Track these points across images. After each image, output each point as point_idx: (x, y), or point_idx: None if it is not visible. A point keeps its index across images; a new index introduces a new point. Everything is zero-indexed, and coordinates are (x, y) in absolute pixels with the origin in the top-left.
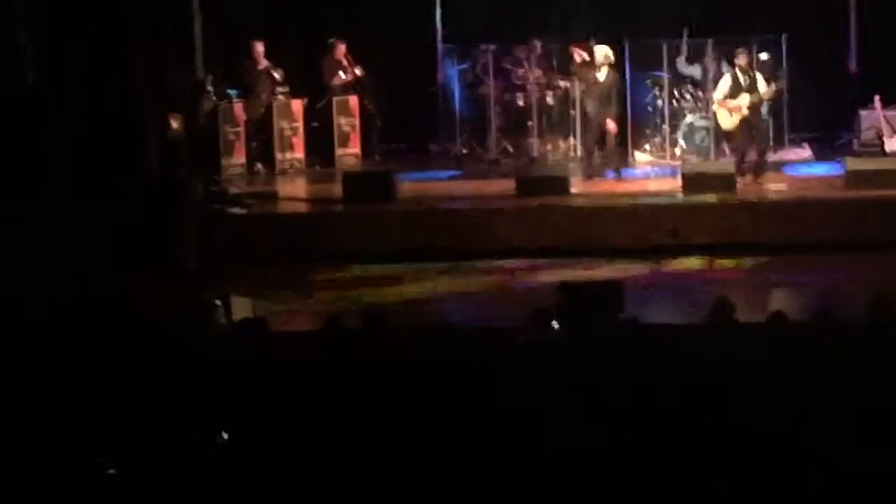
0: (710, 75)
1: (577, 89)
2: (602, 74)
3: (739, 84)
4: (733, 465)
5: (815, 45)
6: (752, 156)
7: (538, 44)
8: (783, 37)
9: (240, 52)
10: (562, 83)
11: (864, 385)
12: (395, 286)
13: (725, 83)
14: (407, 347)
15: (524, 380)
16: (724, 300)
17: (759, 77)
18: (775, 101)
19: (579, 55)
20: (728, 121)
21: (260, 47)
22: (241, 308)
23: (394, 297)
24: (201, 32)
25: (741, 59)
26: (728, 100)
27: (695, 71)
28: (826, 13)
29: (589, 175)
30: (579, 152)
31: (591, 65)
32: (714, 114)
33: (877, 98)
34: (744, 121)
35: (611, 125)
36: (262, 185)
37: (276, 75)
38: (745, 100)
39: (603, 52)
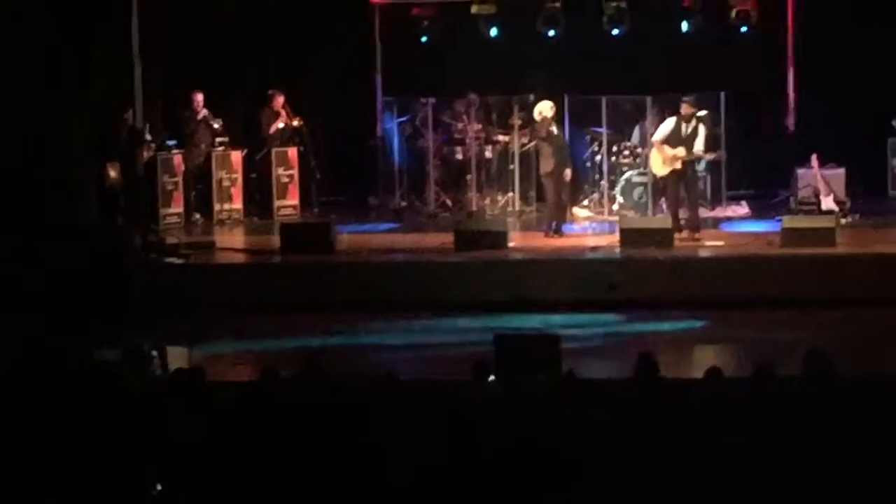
0: (649, 131)
1: (516, 144)
2: (555, 128)
3: (679, 133)
4: None
5: (754, 103)
6: (686, 211)
7: (477, 98)
8: (723, 95)
9: (180, 102)
10: (501, 137)
11: (800, 440)
12: (331, 336)
13: (667, 127)
14: (344, 397)
15: (462, 431)
16: (648, 356)
17: (701, 132)
18: (714, 162)
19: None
20: (660, 167)
21: (199, 97)
22: (178, 358)
23: (331, 348)
24: (141, 81)
25: (685, 109)
26: (665, 146)
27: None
28: (765, 73)
29: (555, 228)
30: (518, 206)
31: (546, 120)
32: (648, 156)
33: (814, 157)
34: (676, 173)
35: (568, 176)
36: (199, 236)
37: (216, 125)
38: (681, 152)
39: (548, 106)
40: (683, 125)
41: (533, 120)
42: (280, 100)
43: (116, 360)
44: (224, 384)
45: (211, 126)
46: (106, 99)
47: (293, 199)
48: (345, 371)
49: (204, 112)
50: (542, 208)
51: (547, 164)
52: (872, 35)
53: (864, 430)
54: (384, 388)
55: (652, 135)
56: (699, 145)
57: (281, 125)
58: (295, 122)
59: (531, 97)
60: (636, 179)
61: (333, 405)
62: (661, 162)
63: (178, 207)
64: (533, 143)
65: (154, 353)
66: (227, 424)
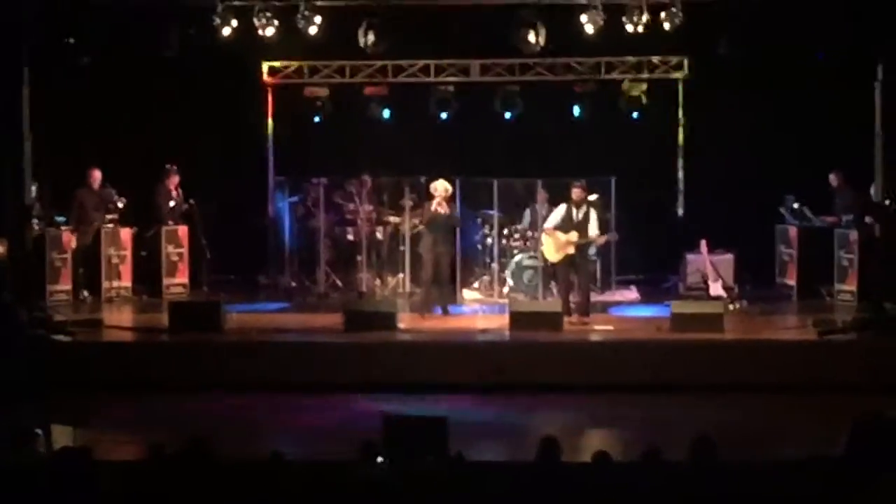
0: (540, 215)
1: (407, 225)
2: (443, 209)
3: (572, 218)
4: None
5: (644, 188)
6: (576, 295)
7: (369, 179)
8: (612, 179)
9: (73, 178)
10: (391, 218)
11: None
12: (218, 416)
13: (558, 214)
14: (232, 477)
15: None
16: (551, 440)
17: (593, 216)
18: (604, 246)
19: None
20: (552, 253)
21: (97, 174)
22: (63, 436)
23: (219, 427)
24: (30, 157)
25: (576, 194)
26: (557, 232)
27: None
28: (655, 158)
29: (422, 310)
30: (409, 287)
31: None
32: (541, 242)
33: (703, 242)
34: (568, 258)
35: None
36: (87, 313)
37: (116, 202)
38: (573, 237)
39: (443, 186)
40: (574, 210)
41: (424, 200)
42: (175, 179)
43: None
44: (110, 463)
45: (107, 203)
46: None
47: (182, 278)
48: (231, 451)
49: (101, 189)
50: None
51: (428, 245)
52: (761, 124)
53: None
54: (271, 469)
55: (543, 219)
56: (593, 230)
57: (172, 203)
58: (190, 202)
59: (422, 179)
60: (527, 262)
61: (220, 485)
62: (553, 248)
63: (66, 284)
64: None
65: (38, 431)
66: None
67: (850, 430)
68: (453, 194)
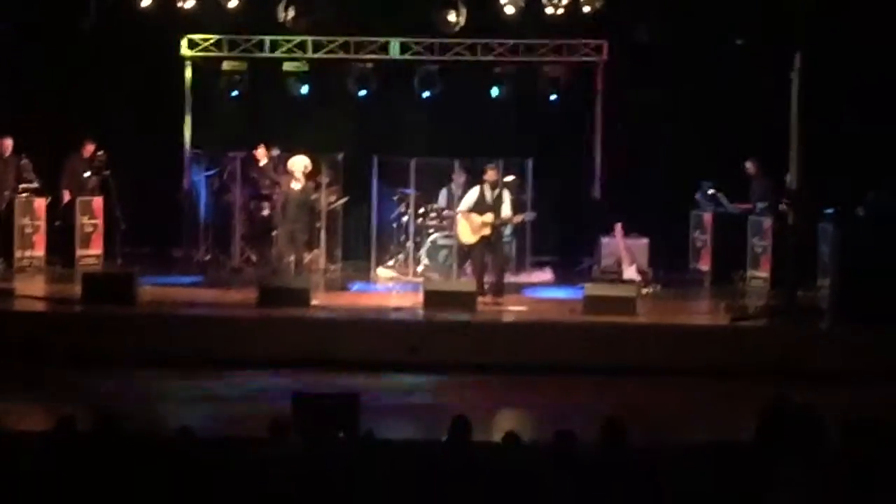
0: (456, 195)
1: (323, 201)
2: (298, 185)
3: (485, 200)
4: None
5: (560, 170)
6: (490, 276)
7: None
8: (529, 161)
9: None
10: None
11: None
12: (130, 390)
13: (472, 196)
14: (140, 452)
15: (258, 491)
16: (462, 419)
17: (507, 197)
18: (520, 225)
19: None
20: (468, 235)
21: (8, 142)
22: None
23: (130, 400)
24: None
25: (489, 175)
26: (472, 214)
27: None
28: (572, 140)
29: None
30: (323, 264)
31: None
32: (455, 224)
33: (618, 226)
34: (483, 239)
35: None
36: None
37: (26, 173)
38: (488, 218)
39: (302, 163)
40: (488, 192)
41: (340, 177)
42: (90, 148)
43: None
44: (18, 433)
45: (19, 171)
46: None
47: (96, 249)
48: (140, 426)
49: (13, 158)
50: (347, 266)
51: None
52: (678, 109)
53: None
54: (180, 445)
55: (459, 199)
56: (507, 210)
57: (88, 174)
58: (104, 172)
59: (340, 155)
60: (442, 242)
61: (128, 460)
62: (468, 230)
63: None
64: (341, 202)
65: None
66: (18, 475)
67: (759, 415)
68: (369, 172)
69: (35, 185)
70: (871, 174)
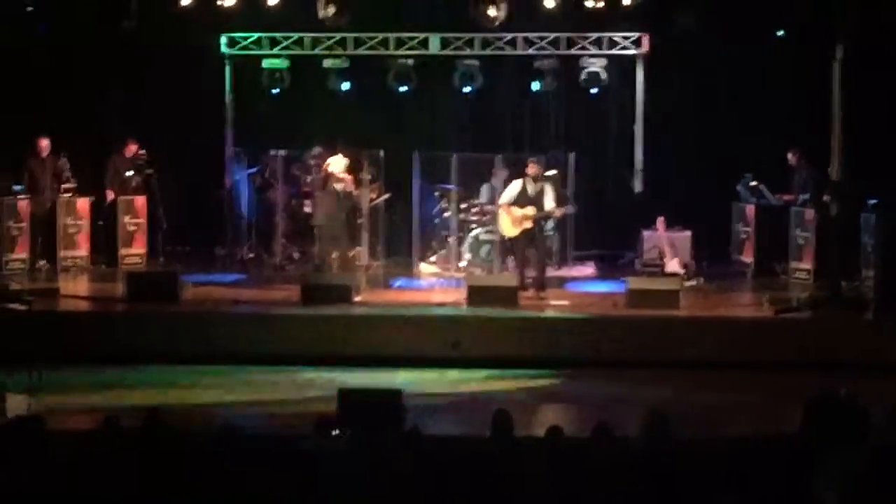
0: (498, 190)
1: (364, 198)
2: (340, 185)
3: (527, 193)
4: None
5: (602, 165)
6: (533, 270)
7: (323, 151)
8: (571, 155)
9: (27, 147)
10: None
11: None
12: (175, 388)
13: (514, 189)
14: (186, 450)
15: (304, 487)
16: (504, 414)
17: (549, 191)
18: (561, 219)
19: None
20: (509, 228)
21: (45, 143)
22: (17, 405)
23: (175, 399)
24: None
25: (531, 170)
26: (513, 207)
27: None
28: (614, 134)
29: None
30: (365, 260)
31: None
32: (497, 218)
33: (660, 220)
34: (525, 232)
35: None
36: (44, 282)
37: (64, 172)
38: (530, 211)
39: (342, 162)
40: (529, 186)
41: (381, 174)
42: (132, 147)
43: None
44: (64, 432)
45: (57, 172)
46: None
47: (139, 248)
48: (186, 424)
49: (50, 158)
50: (390, 262)
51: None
52: (719, 101)
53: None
54: (224, 441)
55: (500, 194)
56: (549, 203)
57: (131, 173)
58: (147, 171)
59: (381, 152)
60: (484, 237)
61: (175, 457)
62: (510, 223)
63: (22, 253)
64: (383, 198)
65: None
66: (66, 474)
67: (804, 407)
68: (411, 169)
69: (72, 184)
70: None
